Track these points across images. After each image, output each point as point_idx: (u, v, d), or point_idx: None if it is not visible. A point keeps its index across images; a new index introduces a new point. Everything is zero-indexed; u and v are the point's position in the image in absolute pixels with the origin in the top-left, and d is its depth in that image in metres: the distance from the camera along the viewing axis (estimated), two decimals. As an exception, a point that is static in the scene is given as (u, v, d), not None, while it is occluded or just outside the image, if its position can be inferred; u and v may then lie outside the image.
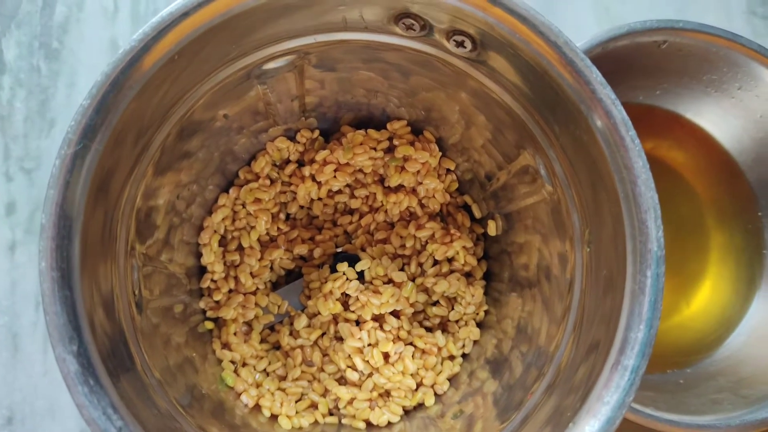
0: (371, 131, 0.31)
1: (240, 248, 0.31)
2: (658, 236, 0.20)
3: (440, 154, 0.32)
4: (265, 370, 0.31)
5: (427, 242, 0.32)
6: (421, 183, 0.31)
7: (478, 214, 0.32)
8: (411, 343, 0.31)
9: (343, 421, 0.30)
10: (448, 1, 0.21)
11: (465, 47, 0.23)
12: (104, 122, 0.19)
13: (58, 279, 0.18)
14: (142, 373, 0.23)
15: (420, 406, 0.30)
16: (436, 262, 0.32)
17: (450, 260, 0.32)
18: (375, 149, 0.31)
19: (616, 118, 0.21)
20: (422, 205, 0.32)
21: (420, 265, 0.32)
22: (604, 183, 0.21)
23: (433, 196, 0.32)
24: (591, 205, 0.23)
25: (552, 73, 0.21)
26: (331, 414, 0.30)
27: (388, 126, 0.31)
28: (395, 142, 0.31)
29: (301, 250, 0.32)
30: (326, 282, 0.31)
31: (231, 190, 0.31)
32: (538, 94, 0.23)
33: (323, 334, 0.31)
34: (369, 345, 0.30)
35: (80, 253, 0.19)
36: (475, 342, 0.31)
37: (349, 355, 0.30)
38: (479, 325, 0.32)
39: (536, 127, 0.24)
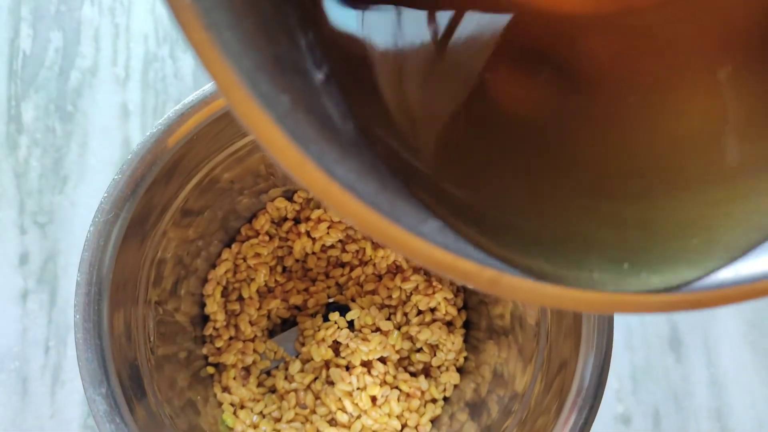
0: (361, 192, 0.35)
1: (240, 298, 0.34)
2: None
3: (423, 213, 0.35)
4: (261, 412, 0.33)
5: (411, 293, 0.35)
6: (406, 239, 0.35)
7: (457, 268, 0.35)
8: (396, 387, 0.34)
9: (334, 459, 0.32)
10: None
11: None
12: (132, 194, 0.22)
13: (90, 330, 0.21)
14: (155, 408, 0.25)
15: (404, 445, 0.33)
16: (419, 312, 0.35)
17: (432, 310, 0.35)
18: (364, 209, 0.34)
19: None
20: (407, 259, 0.35)
21: (405, 314, 0.35)
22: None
23: (417, 251, 0.35)
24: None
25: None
26: (322, 453, 0.33)
27: (377, 188, 0.35)
28: (383, 202, 0.35)
29: (297, 300, 0.35)
30: (319, 330, 0.34)
31: (233, 246, 0.34)
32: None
33: (316, 378, 0.34)
34: (358, 389, 0.33)
35: (108, 306, 0.22)
36: (455, 386, 0.34)
37: (340, 398, 0.33)
38: (459, 370, 0.35)
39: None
